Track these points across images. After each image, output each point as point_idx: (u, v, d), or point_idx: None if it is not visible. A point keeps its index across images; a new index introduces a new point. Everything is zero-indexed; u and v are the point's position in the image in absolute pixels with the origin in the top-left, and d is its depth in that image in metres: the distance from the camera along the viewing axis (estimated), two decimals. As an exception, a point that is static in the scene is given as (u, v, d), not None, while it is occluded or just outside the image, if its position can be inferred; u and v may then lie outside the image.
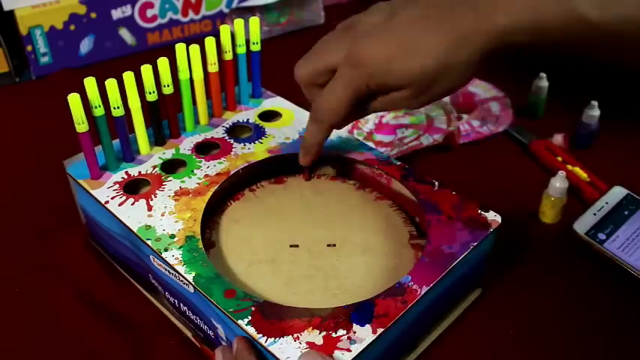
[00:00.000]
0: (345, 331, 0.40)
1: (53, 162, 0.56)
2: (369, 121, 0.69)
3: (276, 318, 0.40)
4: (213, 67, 0.56)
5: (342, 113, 0.47)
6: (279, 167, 0.55)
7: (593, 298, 0.52)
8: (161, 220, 0.48)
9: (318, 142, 0.50)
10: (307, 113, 0.51)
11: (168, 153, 0.54)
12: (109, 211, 0.49)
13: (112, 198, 0.50)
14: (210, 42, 0.55)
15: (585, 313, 0.51)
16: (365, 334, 0.40)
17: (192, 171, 0.52)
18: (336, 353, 0.39)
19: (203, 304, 0.43)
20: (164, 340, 0.49)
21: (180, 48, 0.53)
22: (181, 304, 0.47)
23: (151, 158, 0.54)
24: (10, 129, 0.73)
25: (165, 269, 0.46)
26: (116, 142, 0.53)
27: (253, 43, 0.58)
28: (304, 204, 0.53)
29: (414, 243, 0.49)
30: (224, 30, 0.56)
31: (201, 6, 0.87)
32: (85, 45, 0.82)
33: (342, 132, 0.55)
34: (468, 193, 0.50)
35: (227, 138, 0.56)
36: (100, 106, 0.50)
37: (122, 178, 0.52)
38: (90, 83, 0.48)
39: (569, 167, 0.63)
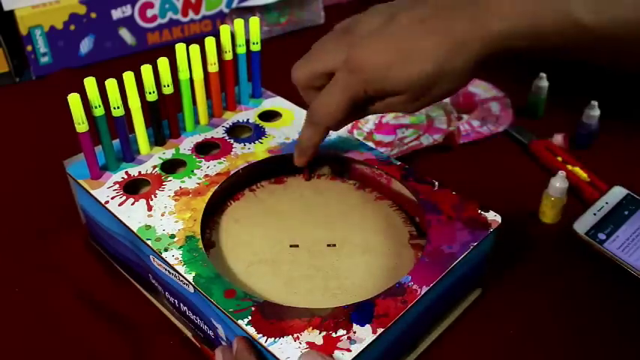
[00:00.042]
0: (345, 331, 0.40)
1: (53, 162, 0.56)
2: (369, 121, 0.69)
3: (276, 318, 0.40)
4: (213, 67, 0.56)
5: (338, 117, 0.47)
6: (279, 167, 0.55)
7: (593, 298, 0.52)
8: (161, 220, 0.48)
9: (313, 145, 0.51)
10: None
11: (168, 153, 0.54)
12: (109, 211, 0.49)
13: (112, 198, 0.50)
14: (210, 42, 0.55)
15: (585, 313, 0.51)
16: (365, 334, 0.40)
17: (192, 171, 0.52)
18: (336, 353, 0.39)
19: (203, 304, 0.43)
20: (164, 340, 0.49)
21: (180, 48, 0.53)
22: (181, 304, 0.47)
23: (151, 158, 0.54)
24: (10, 129, 0.73)
25: (165, 269, 0.46)
26: (116, 142, 0.53)
27: (253, 43, 0.58)
28: (304, 204, 0.53)
29: (414, 243, 0.49)
30: (224, 30, 0.56)
31: (201, 6, 0.87)
32: (85, 45, 0.82)
33: (342, 132, 0.55)
34: (468, 193, 0.50)
35: (227, 138, 0.56)
36: (100, 106, 0.50)
37: (122, 178, 0.52)
38: (90, 83, 0.48)
39: (569, 167, 0.63)
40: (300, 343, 0.39)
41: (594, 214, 0.57)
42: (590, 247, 0.55)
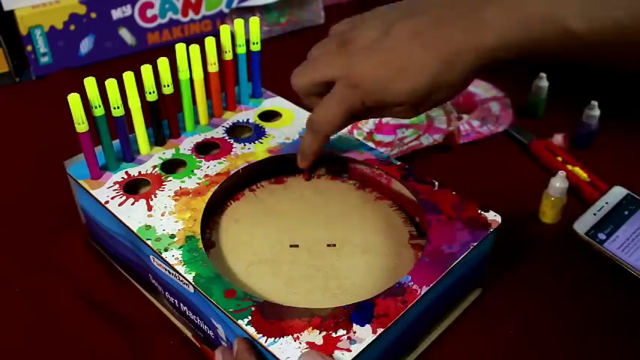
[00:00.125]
0: (345, 331, 0.40)
1: (53, 162, 0.56)
2: (369, 121, 0.69)
3: (276, 318, 0.40)
4: (213, 67, 0.56)
5: (337, 125, 0.48)
6: (279, 167, 0.55)
7: (593, 298, 0.52)
8: (161, 220, 0.48)
9: (313, 152, 0.51)
10: (307, 113, 0.51)
11: (168, 153, 0.54)
12: (109, 211, 0.49)
13: (112, 198, 0.50)
14: (210, 42, 0.55)
15: (585, 313, 0.51)
16: (365, 334, 0.39)
17: (192, 171, 0.52)
18: (336, 353, 0.39)
19: (203, 304, 0.43)
20: (164, 340, 0.49)
21: (180, 48, 0.53)
22: (181, 304, 0.47)
23: (150, 158, 0.54)
24: (10, 129, 0.73)
25: (165, 269, 0.46)
26: (116, 142, 0.53)
27: (253, 43, 0.58)
28: (304, 204, 0.53)
29: (414, 243, 0.49)
30: (224, 30, 0.56)
31: (201, 6, 0.87)
32: (85, 45, 0.82)
33: (342, 132, 0.55)
34: (468, 193, 0.50)
35: (227, 138, 0.56)
36: (100, 106, 0.50)
37: (122, 178, 0.52)
38: (90, 83, 0.48)
39: (569, 167, 0.63)
40: (300, 343, 0.39)
41: (594, 214, 0.57)
42: (590, 247, 0.55)
